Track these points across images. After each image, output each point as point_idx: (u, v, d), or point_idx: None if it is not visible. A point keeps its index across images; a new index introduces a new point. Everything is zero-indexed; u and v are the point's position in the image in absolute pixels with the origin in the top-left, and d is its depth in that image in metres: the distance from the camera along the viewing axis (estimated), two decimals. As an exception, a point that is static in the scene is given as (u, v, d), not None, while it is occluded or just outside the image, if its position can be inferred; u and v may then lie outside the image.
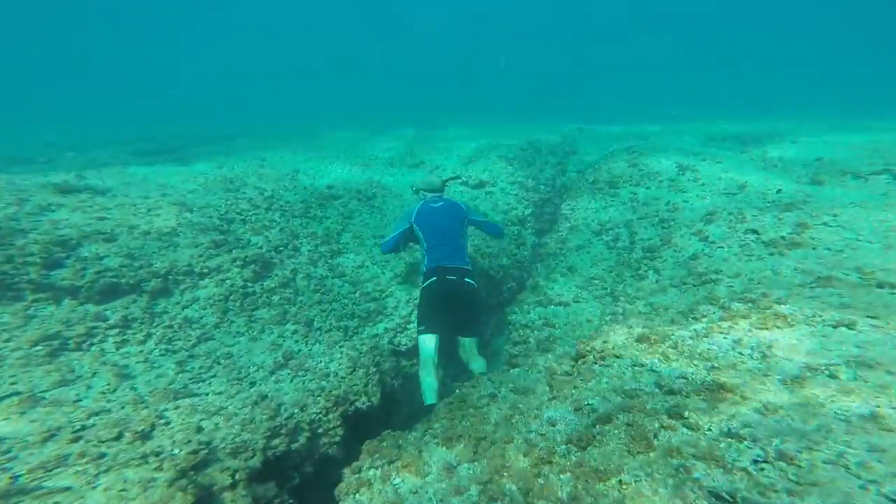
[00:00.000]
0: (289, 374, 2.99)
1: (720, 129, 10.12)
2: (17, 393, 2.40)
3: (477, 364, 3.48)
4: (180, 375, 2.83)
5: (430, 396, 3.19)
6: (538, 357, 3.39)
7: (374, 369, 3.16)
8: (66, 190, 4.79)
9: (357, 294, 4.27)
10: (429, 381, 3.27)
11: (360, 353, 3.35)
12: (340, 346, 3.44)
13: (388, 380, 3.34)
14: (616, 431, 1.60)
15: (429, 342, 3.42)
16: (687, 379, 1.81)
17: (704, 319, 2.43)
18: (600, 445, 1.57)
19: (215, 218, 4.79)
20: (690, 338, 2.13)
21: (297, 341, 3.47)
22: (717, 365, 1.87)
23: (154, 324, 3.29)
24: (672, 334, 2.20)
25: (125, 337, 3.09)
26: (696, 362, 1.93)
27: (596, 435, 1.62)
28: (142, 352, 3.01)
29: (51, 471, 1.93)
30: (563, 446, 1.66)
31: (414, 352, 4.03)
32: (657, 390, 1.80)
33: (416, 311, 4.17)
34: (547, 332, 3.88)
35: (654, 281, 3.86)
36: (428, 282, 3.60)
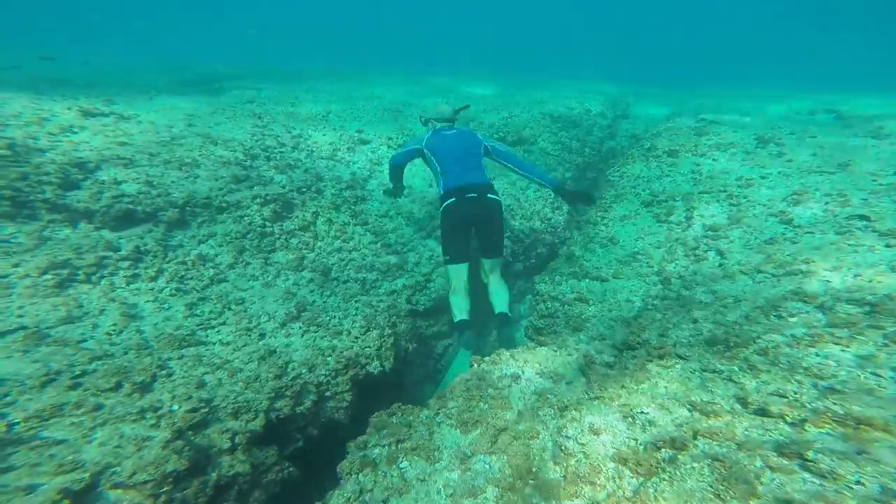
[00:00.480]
0: (300, 327, 2.77)
1: (823, 101, 8.51)
2: (24, 327, 2.28)
3: (499, 296, 3.35)
4: (189, 320, 2.66)
5: (459, 314, 3.24)
6: (569, 337, 3.03)
7: (390, 331, 2.90)
8: (90, 113, 4.61)
9: (378, 245, 3.98)
10: (459, 301, 3.29)
11: (377, 310, 3.09)
12: (356, 301, 3.19)
13: (403, 343, 3.10)
14: (695, 464, 1.21)
15: (459, 272, 3.33)
16: (787, 399, 1.37)
17: (794, 320, 1.95)
18: (672, 480, 1.19)
19: (239, 152, 4.53)
20: (787, 345, 1.65)
21: (311, 291, 3.25)
22: (838, 388, 1.39)
23: (167, 258, 3.13)
24: (758, 337, 1.74)
25: (136, 271, 2.94)
26: (799, 378, 1.47)
27: (662, 462, 1.25)
28: (152, 289, 2.85)
29: (47, 420, 1.79)
30: (612, 465, 1.31)
31: (432, 313, 3.79)
32: (740, 408, 1.40)
33: (437, 269, 3.87)
34: (579, 309, 3.46)
35: (717, 265, 3.30)
36: (446, 203, 3.28)
